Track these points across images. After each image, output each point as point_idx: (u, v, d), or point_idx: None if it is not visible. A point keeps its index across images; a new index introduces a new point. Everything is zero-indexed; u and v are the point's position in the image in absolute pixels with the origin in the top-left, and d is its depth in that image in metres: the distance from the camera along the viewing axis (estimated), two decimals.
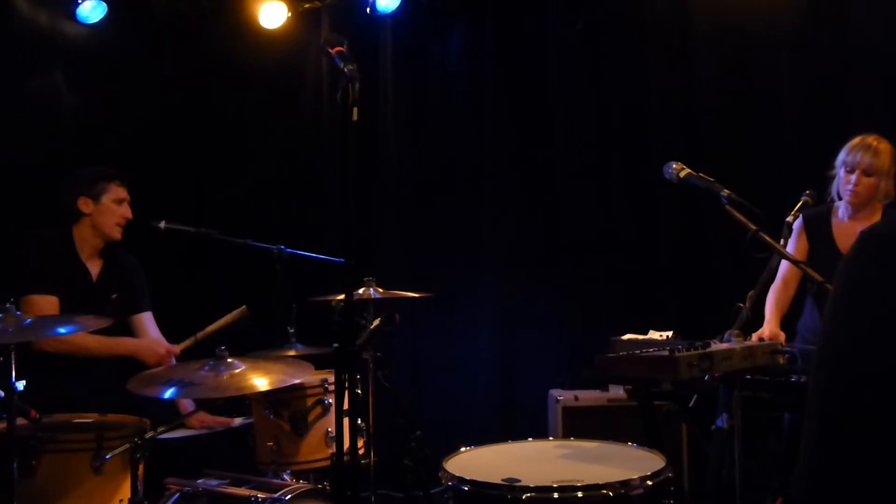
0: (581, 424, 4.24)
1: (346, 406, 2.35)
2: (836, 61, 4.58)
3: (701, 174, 2.96)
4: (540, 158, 5.22)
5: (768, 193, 3.93)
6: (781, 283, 3.71)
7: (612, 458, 2.64)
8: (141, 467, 2.74)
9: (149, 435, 2.75)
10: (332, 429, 3.30)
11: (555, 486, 2.30)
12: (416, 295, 3.86)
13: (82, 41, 5.03)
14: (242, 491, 2.82)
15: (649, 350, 2.80)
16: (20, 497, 2.61)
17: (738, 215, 2.78)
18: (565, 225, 5.15)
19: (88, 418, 3.08)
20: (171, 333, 3.91)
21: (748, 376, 2.72)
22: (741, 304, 2.97)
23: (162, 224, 3.93)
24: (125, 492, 2.76)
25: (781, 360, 2.71)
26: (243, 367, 2.83)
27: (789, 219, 3.36)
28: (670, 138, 4.92)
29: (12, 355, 2.59)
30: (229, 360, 2.84)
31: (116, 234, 3.76)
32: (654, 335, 3.65)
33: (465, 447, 2.78)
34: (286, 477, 3.18)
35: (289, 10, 5.26)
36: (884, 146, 3.52)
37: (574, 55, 5.15)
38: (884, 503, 1.20)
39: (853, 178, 3.50)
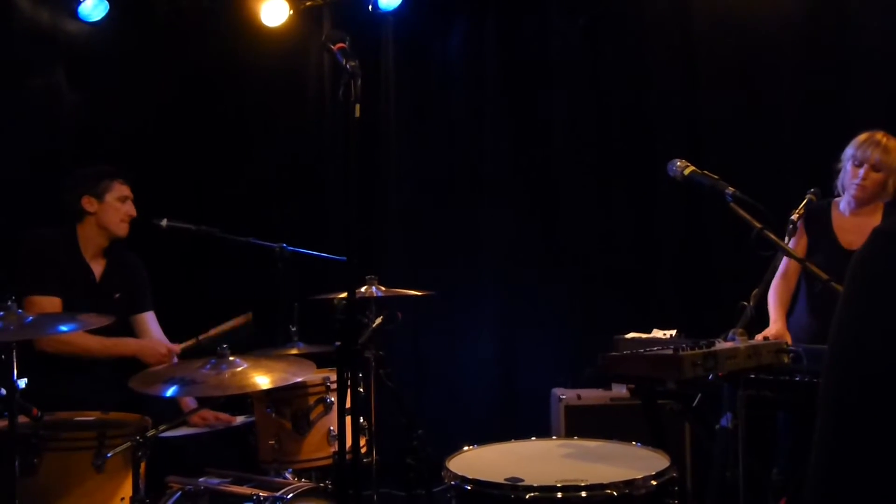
0: (584, 423, 4.23)
1: (348, 404, 2.34)
2: (837, 60, 4.58)
3: (705, 172, 2.95)
4: (541, 156, 5.21)
5: (770, 192, 3.91)
6: (783, 281, 3.70)
7: (615, 458, 2.63)
8: (143, 465, 2.74)
9: (150, 433, 2.75)
10: (334, 427, 3.29)
11: (558, 485, 2.29)
12: (419, 293, 3.85)
13: (84, 39, 5.02)
14: (244, 489, 2.81)
15: (653, 349, 2.79)
16: (22, 495, 2.61)
17: (742, 213, 2.77)
18: (567, 223, 5.14)
19: (90, 416, 3.08)
20: (172, 332, 3.91)
21: (752, 375, 2.70)
22: (745, 303, 2.96)
23: (163, 222, 3.93)
24: (127, 490, 2.76)
25: (786, 360, 2.70)
26: (245, 366, 2.82)
27: (794, 216, 3.34)
28: (671, 136, 4.92)
29: (14, 353, 2.59)
30: (231, 358, 2.84)
31: (122, 231, 3.76)
32: (657, 334, 3.63)
33: (468, 446, 2.77)
34: (288, 475, 3.17)
35: (290, 8, 5.25)
36: (893, 143, 3.51)
37: (575, 53, 5.15)
38: None
39: (861, 172, 3.50)
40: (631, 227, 5.04)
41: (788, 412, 3.46)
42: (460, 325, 5.24)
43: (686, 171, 2.99)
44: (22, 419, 2.64)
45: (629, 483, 2.30)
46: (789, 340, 3.46)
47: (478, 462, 2.60)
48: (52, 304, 3.54)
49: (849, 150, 3.57)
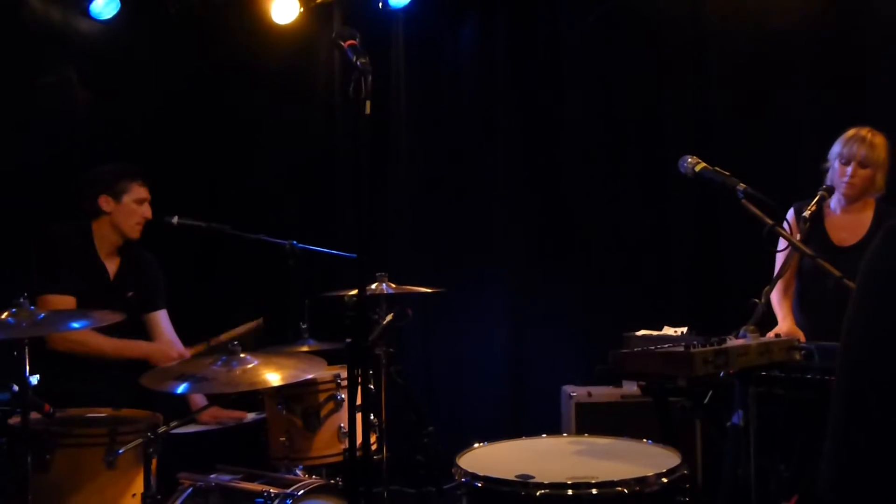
0: (594, 421, 4.22)
1: (358, 401, 2.34)
2: (851, 55, 4.54)
3: (717, 168, 2.94)
4: (551, 152, 5.21)
5: (782, 189, 3.90)
6: (784, 279, 3.68)
7: (626, 455, 2.63)
8: (154, 462, 2.75)
9: (162, 430, 2.76)
10: (344, 424, 3.29)
11: (569, 482, 2.29)
12: (429, 290, 3.85)
13: (95, 37, 5.04)
14: (255, 486, 2.83)
15: (664, 346, 2.78)
16: (34, 491, 2.62)
17: (754, 209, 2.76)
18: (578, 220, 5.14)
19: (101, 413, 3.10)
20: (183, 329, 3.92)
21: (764, 373, 2.69)
22: (756, 300, 2.94)
23: (175, 219, 3.92)
24: (138, 486, 2.77)
25: (798, 357, 2.68)
26: (256, 363, 2.83)
27: (806, 214, 3.33)
28: (682, 133, 4.90)
29: (26, 350, 2.60)
30: (242, 355, 2.84)
31: (135, 233, 3.75)
32: (668, 331, 3.63)
33: (478, 443, 2.77)
34: (299, 472, 3.18)
35: (301, 5, 5.25)
36: (879, 139, 3.52)
37: (586, 49, 5.13)
38: None
39: (849, 169, 3.50)
40: (642, 224, 5.03)
41: (800, 409, 3.45)
42: (471, 322, 5.24)
43: (697, 168, 2.98)
44: (34, 416, 2.65)
45: (640, 480, 2.30)
46: (801, 337, 3.45)
47: (488, 459, 2.60)
48: (66, 302, 3.54)
49: (835, 149, 3.57)
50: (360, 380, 2.35)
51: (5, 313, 2.66)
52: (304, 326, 3.80)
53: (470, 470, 2.43)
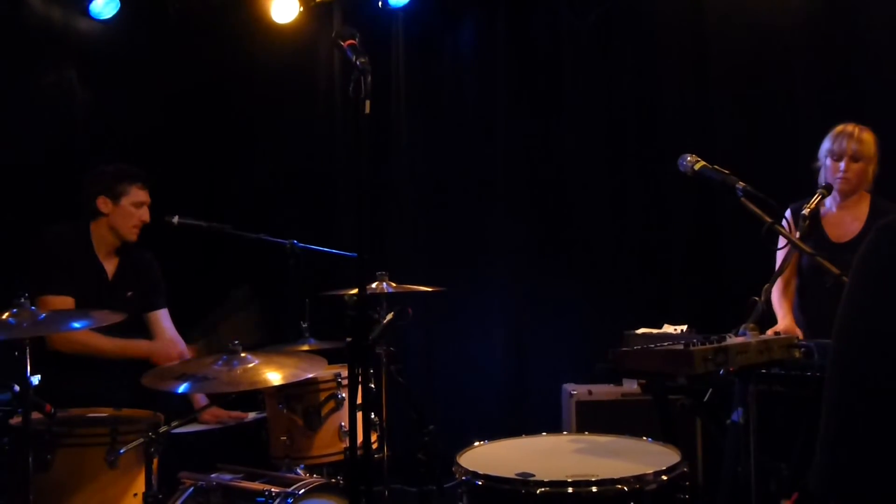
0: (595, 419, 4.23)
1: (359, 400, 2.34)
2: (848, 56, 4.55)
3: (716, 167, 2.95)
4: (551, 151, 5.21)
5: (781, 187, 3.91)
6: (783, 277, 3.69)
7: (626, 453, 2.64)
8: (155, 461, 2.76)
9: (163, 429, 2.76)
10: (345, 423, 3.30)
11: (569, 480, 2.30)
12: (429, 289, 3.85)
13: (95, 37, 5.04)
14: (256, 485, 2.83)
15: (664, 344, 2.78)
16: (35, 490, 2.62)
17: (753, 208, 2.77)
18: (578, 218, 5.14)
19: (103, 413, 3.10)
20: (184, 330, 3.92)
21: (764, 370, 2.70)
22: (756, 298, 2.94)
23: (175, 219, 3.92)
24: (139, 486, 2.78)
25: (797, 355, 2.69)
26: (256, 362, 2.83)
27: (805, 212, 3.33)
28: (682, 132, 4.90)
29: (27, 350, 2.60)
30: (243, 354, 2.85)
31: (132, 236, 3.74)
32: (668, 329, 3.63)
33: (479, 441, 2.78)
34: (299, 471, 3.18)
35: (300, 5, 5.25)
36: (866, 133, 3.55)
37: (585, 49, 5.14)
38: None
39: (842, 165, 3.52)
40: (642, 223, 5.03)
41: (800, 407, 3.45)
42: (471, 320, 5.24)
43: (697, 166, 2.98)
44: (35, 415, 2.66)
45: (640, 478, 2.31)
46: (800, 335, 3.46)
47: (489, 457, 2.61)
48: (64, 303, 3.54)
49: (825, 147, 3.59)
50: (360, 379, 2.35)
51: (6, 314, 2.66)
52: (305, 325, 3.80)
53: (470, 468, 2.44)
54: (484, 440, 2.80)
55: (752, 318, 2.82)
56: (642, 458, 2.52)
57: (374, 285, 3.68)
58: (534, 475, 2.33)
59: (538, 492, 2.28)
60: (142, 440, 2.73)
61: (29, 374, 2.60)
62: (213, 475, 2.90)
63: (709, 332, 2.83)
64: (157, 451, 2.74)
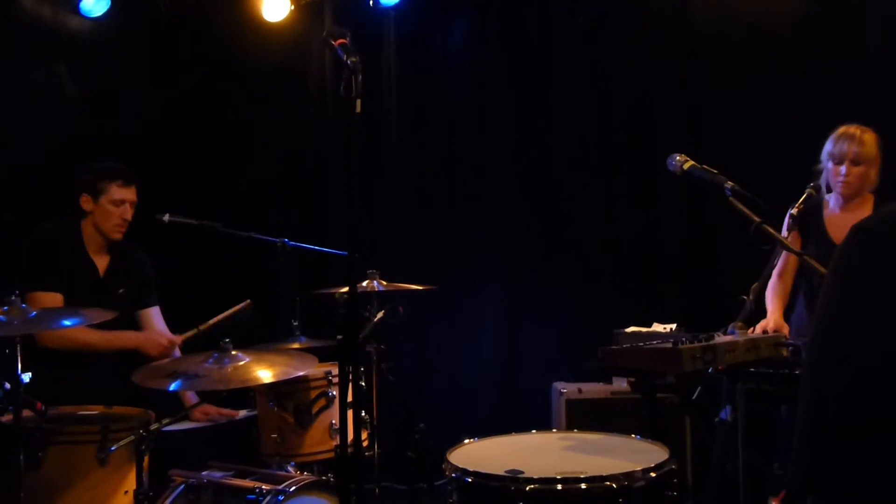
0: (584, 417, 4.24)
1: (349, 398, 2.36)
2: (839, 54, 4.57)
3: (705, 166, 2.96)
4: (542, 151, 5.22)
5: (771, 187, 3.93)
6: (780, 277, 3.72)
7: (615, 450, 2.65)
8: (146, 459, 2.76)
9: (154, 427, 2.77)
10: (335, 421, 3.30)
11: (558, 477, 2.31)
12: (420, 287, 3.86)
13: (86, 35, 5.03)
14: (247, 483, 2.83)
15: (653, 342, 2.81)
16: (26, 488, 2.62)
17: (741, 207, 2.78)
18: (569, 217, 5.15)
19: (94, 410, 3.10)
20: (174, 326, 3.92)
21: (752, 369, 2.72)
22: (744, 297, 2.97)
23: (166, 217, 3.91)
24: (130, 483, 2.78)
25: (785, 353, 2.71)
26: (247, 360, 2.84)
27: (793, 211, 3.36)
28: (673, 131, 4.92)
29: (18, 347, 2.60)
30: (233, 352, 2.85)
31: (116, 234, 3.72)
32: (657, 328, 3.66)
33: (469, 439, 2.79)
34: (290, 469, 3.19)
35: (291, 3, 5.25)
36: (868, 135, 3.54)
37: (577, 48, 5.15)
38: (871, 490, 1.21)
39: (843, 168, 3.52)
40: (631, 222, 5.05)
41: (788, 405, 3.48)
42: (462, 319, 5.25)
43: (685, 166, 3.00)
44: (26, 413, 2.66)
45: (628, 475, 2.32)
46: (787, 332, 3.48)
47: (478, 455, 2.62)
48: (53, 299, 3.54)
49: (826, 149, 3.59)
50: (351, 377, 2.36)
51: None
52: (296, 323, 3.80)
53: (460, 465, 2.45)
54: (474, 438, 2.81)
55: (740, 317, 2.85)
56: (631, 455, 2.53)
57: (364, 283, 3.69)
58: (523, 472, 2.34)
59: (527, 489, 2.29)
60: (133, 438, 2.73)
61: (20, 371, 2.60)
62: (203, 473, 2.90)
63: (698, 330, 2.86)
64: (148, 448, 2.74)
